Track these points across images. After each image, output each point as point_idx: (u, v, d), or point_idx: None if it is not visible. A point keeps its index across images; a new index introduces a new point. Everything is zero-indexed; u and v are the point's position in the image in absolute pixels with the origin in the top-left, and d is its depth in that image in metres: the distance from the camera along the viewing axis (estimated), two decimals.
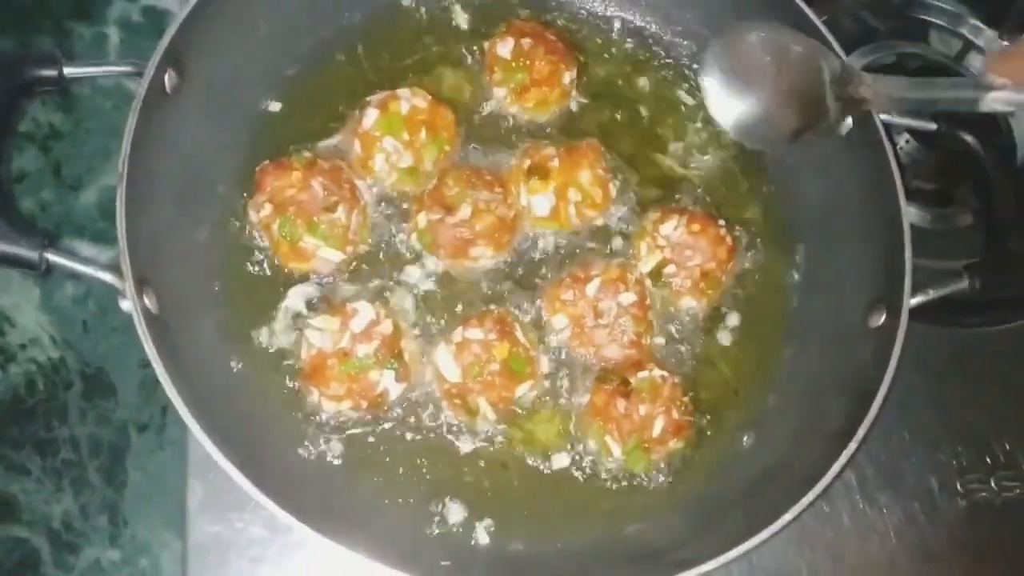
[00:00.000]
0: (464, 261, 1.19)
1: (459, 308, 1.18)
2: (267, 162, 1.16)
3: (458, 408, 1.12)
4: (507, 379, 1.12)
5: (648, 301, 1.19)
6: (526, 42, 1.27)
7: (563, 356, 1.18)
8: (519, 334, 1.14)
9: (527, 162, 1.22)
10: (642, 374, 1.13)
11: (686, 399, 1.15)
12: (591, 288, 1.16)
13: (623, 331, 1.16)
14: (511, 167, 1.24)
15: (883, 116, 1.17)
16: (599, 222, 1.24)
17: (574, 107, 1.32)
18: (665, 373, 1.14)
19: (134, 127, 1.01)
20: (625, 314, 1.16)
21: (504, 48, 1.27)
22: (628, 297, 1.16)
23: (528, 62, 1.26)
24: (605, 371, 1.16)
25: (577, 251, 1.23)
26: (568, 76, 1.29)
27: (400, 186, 1.21)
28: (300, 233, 1.12)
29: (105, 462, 1.63)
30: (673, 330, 1.22)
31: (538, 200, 1.21)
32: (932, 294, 1.12)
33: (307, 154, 1.18)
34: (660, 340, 1.21)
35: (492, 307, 1.17)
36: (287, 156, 1.17)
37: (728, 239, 1.21)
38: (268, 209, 1.13)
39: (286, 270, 1.16)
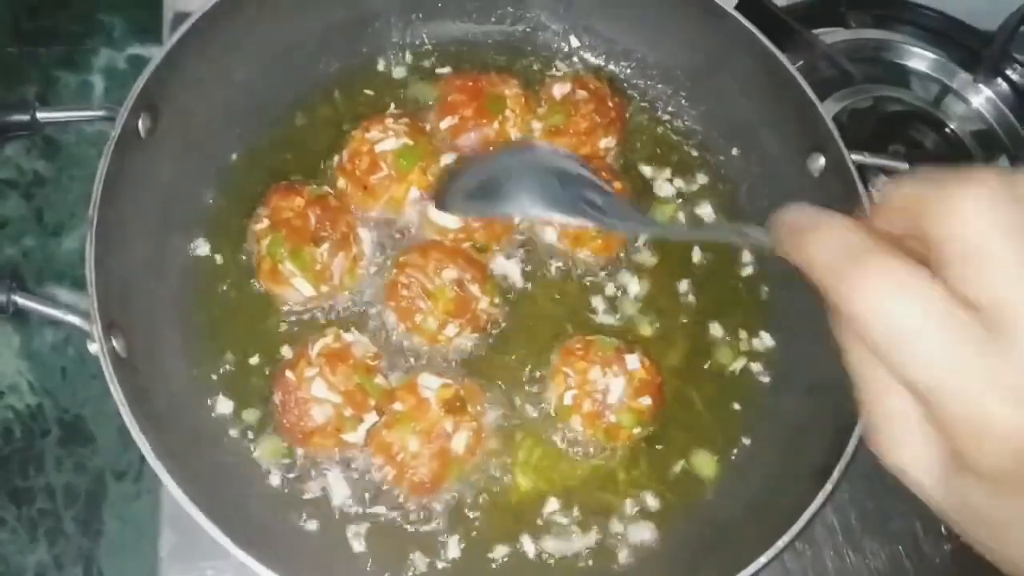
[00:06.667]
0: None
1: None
2: (283, 182, 1.19)
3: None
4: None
5: None
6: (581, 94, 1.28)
7: None
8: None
9: None
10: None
11: None
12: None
13: None
14: None
15: (855, 156, 1.18)
16: None
17: None
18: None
19: (106, 171, 1.01)
20: None
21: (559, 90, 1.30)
22: None
23: (572, 110, 1.28)
24: None
25: None
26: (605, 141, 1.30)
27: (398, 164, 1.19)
28: (283, 256, 1.13)
29: (81, 511, 1.61)
30: None
31: None
32: None
33: (326, 188, 1.20)
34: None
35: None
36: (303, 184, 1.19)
37: None
38: (265, 224, 1.16)
39: (263, 296, 1.17)
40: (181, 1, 1.40)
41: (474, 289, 1.16)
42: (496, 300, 1.19)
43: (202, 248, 1.19)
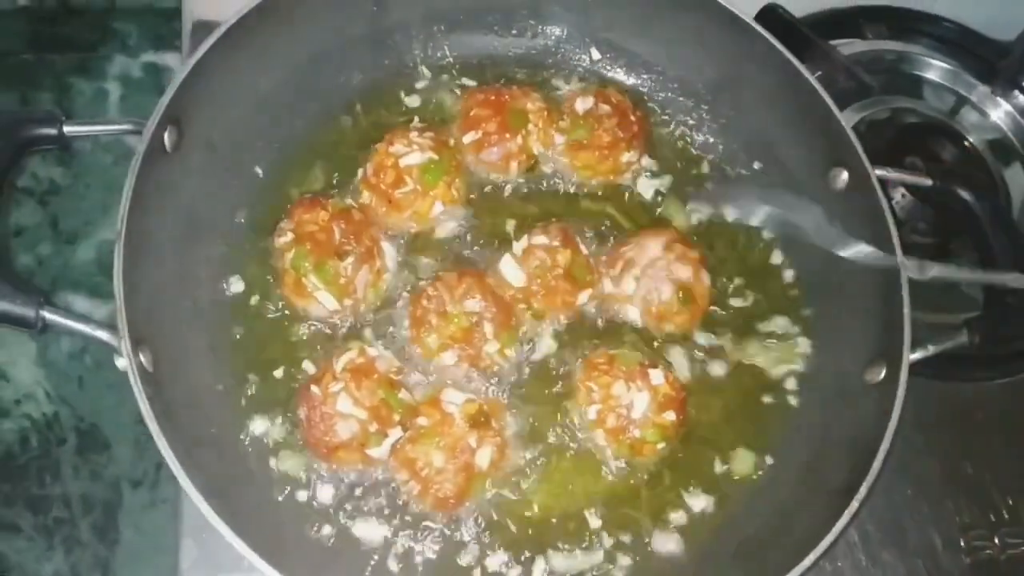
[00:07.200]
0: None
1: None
2: (307, 195, 1.20)
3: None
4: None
5: None
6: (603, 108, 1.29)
7: None
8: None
9: None
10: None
11: None
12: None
13: None
14: None
15: (878, 171, 1.18)
16: None
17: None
18: None
19: (133, 185, 1.01)
20: None
21: (582, 104, 1.30)
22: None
23: (595, 124, 1.28)
24: None
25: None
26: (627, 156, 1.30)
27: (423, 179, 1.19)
28: (307, 269, 1.13)
29: (97, 519, 1.61)
30: None
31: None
32: (932, 349, 1.12)
33: (349, 201, 1.20)
34: None
35: None
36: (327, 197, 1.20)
37: None
38: (289, 237, 1.16)
39: (287, 309, 1.17)
40: (200, 9, 1.40)
41: (488, 330, 1.15)
42: (508, 352, 1.17)
43: (225, 261, 1.18)
